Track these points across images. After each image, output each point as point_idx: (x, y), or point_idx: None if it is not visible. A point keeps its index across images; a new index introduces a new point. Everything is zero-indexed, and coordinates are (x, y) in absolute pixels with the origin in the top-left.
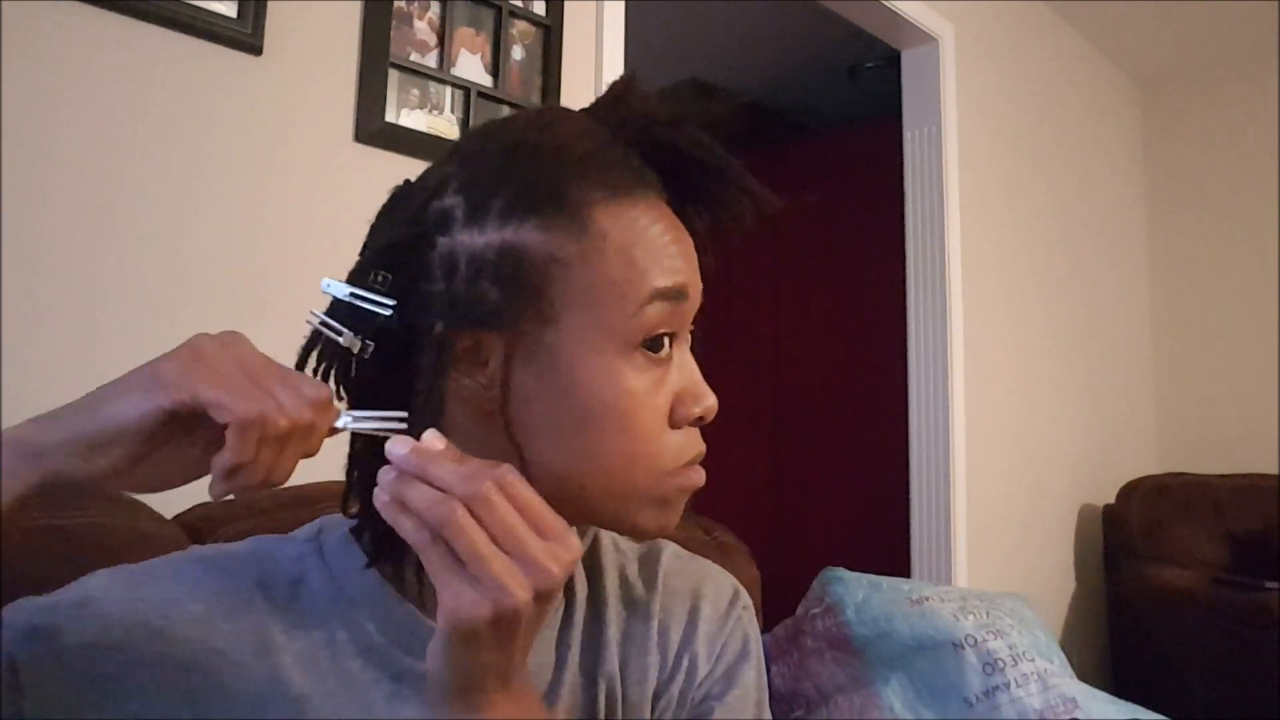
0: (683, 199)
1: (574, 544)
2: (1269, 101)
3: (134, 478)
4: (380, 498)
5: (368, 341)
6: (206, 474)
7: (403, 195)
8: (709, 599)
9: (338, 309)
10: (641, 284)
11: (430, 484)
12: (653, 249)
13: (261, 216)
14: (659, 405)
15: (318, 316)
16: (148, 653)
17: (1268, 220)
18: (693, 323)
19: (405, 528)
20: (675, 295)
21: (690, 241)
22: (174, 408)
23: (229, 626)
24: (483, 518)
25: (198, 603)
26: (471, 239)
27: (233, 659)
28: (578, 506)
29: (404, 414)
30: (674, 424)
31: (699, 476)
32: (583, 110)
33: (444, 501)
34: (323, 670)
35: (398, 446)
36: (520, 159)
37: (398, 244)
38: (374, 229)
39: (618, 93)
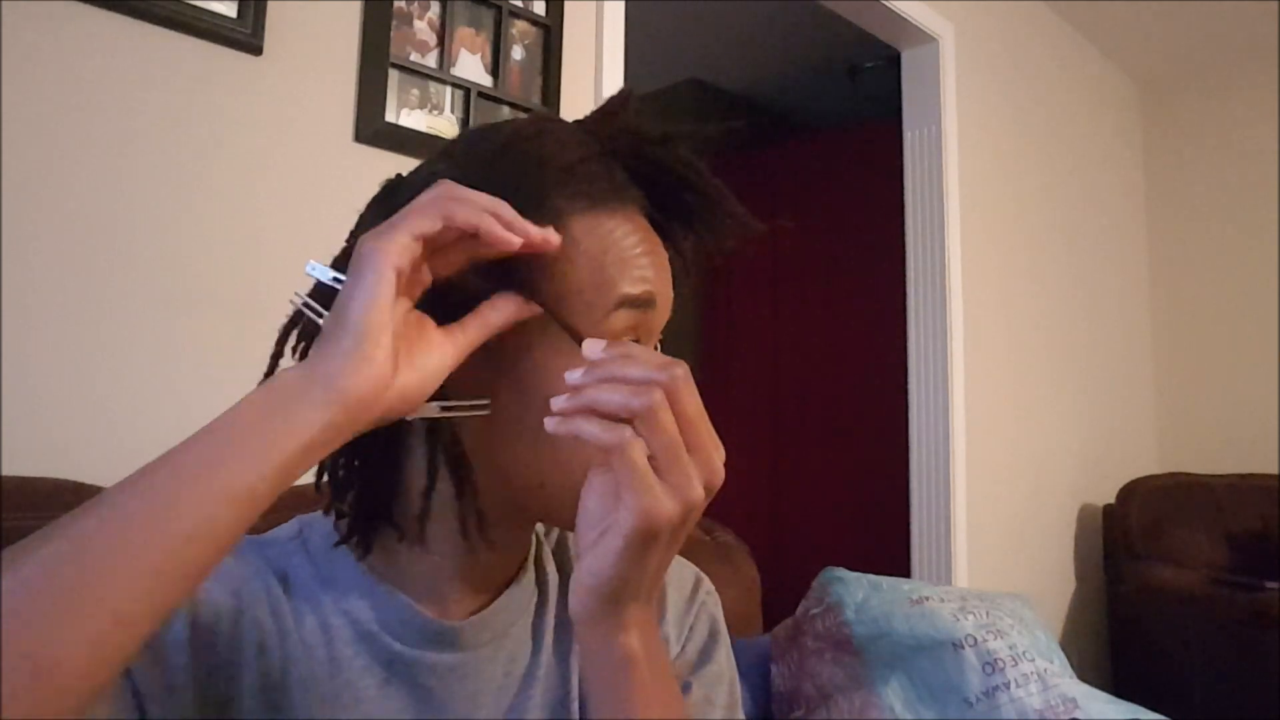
0: (668, 217)
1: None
2: (1269, 101)
3: (416, 373)
4: (566, 405)
5: None
6: (462, 351)
7: (392, 187)
8: (673, 585)
9: (320, 291)
10: (609, 291)
11: (625, 379)
12: (624, 259)
13: (261, 216)
14: None
15: (300, 297)
16: (207, 636)
17: (1268, 220)
18: (661, 333)
19: (593, 431)
20: (642, 303)
21: (664, 254)
22: (405, 262)
23: (251, 614)
24: (675, 407)
25: (227, 591)
26: None
27: (254, 645)
28: (538, 505)
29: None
30: None
31: None
32: (576, 121)
33: (646, 391)
34: (319, 657)
35: (594, 346)
36: (506, 163)
37: None
38: (362, 217)
39: (612, 107)
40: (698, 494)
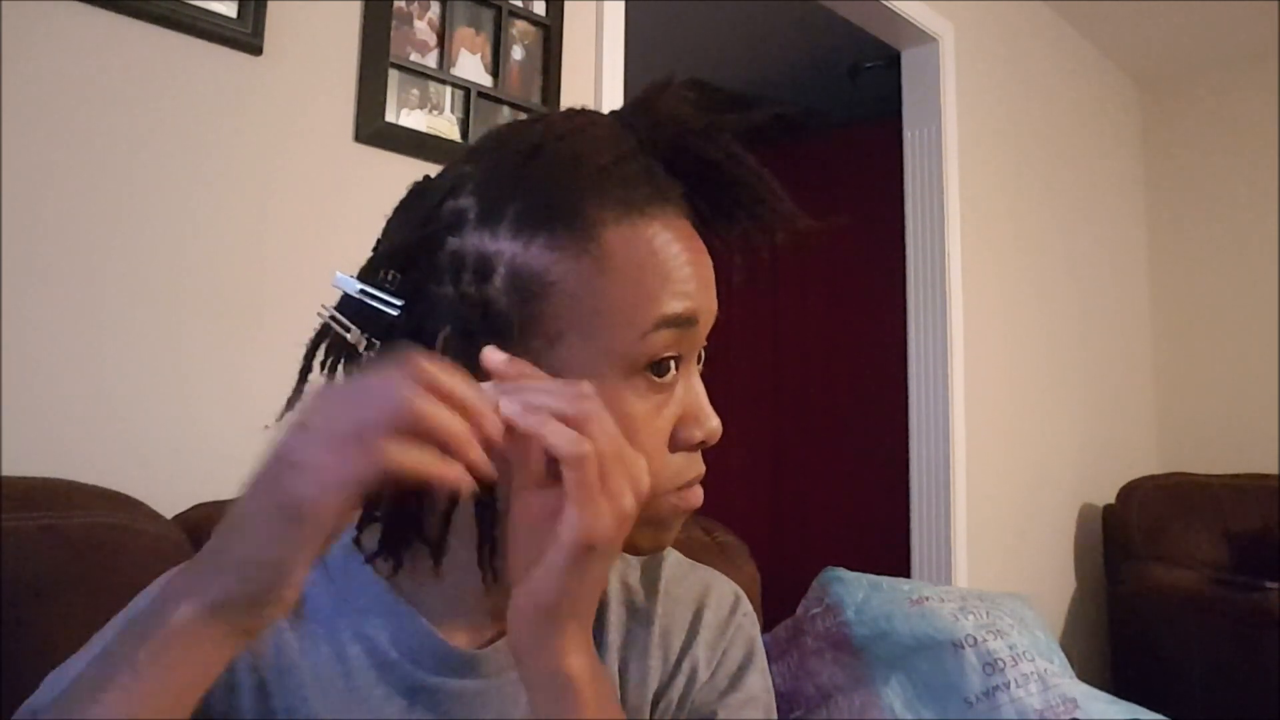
0: (712, 212)
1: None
2: (1269, 101)
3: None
4: (517, 409)
5: (374, 340)
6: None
7: (419, 192)
8: (711, 607)
9: (347, 304)
10: (648, 309)
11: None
12: (663, 271)
13: (262, 217)
14: (659, 429)
15: (328, 310)
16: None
17: (1268, 220)
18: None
19: (559, 438)
20: (683, 322)
21: (707, 261)
22: (341, 508)
23: (258, 645)
24: (598, 429)
25: None
26: (481, 242)
27: (260, 677)
28: None
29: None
30: (674, 447)
31: (696, 498)
32: (613, 112)
33: (579, 400)
34: (336, 688)
35: (496, 354)
36: (537, 167)
37: (409, 243)
38: (388, 225)
39: (651, 95)
40: (630, 505)
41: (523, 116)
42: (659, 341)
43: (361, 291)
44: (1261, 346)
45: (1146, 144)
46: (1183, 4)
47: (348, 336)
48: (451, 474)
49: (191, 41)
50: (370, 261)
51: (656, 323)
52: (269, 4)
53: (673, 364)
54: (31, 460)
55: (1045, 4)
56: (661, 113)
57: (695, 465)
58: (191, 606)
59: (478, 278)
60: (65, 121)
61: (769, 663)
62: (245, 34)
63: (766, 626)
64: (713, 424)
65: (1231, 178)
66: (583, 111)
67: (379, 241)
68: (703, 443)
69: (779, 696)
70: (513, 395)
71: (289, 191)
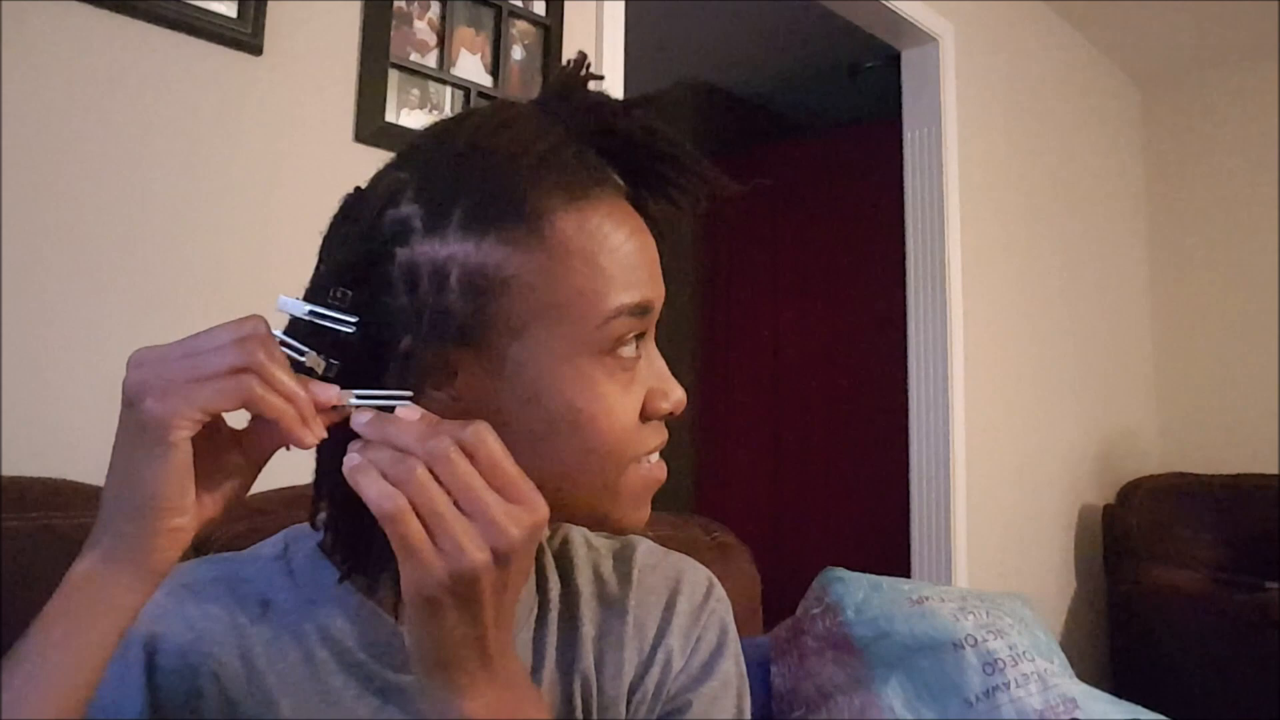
0: (637, 187)
1: (540, 507)
2: (1269, 101)
3: (220, 500)
4: (347, 464)
5: (332, 360)
6: (258, 470)
7: (354, 204)
8: (684, 594)
9: (296, 327)
10: (607, 296)
11: (393, 447)
12: (617, 258)
13: (261, 217)
14: (631, 405)
15: (275, 336)
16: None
17: (1268, 220)
18: (663, 333)
19: (370, 493)
20: (640, 312)
21: (652, 243)
22: (194, 429)
23: (221, 652)
24: (441, 476)
25: (179, 652)
26: (433, 250)
27: (224, 685)
28: (555, 509)
29: (409, 393)
30: (643, 419)
31: (662, 471)
32: (533, 102)
33: (402, 460)
34: (306, 691)
35: (361, 415)
36: (477, 164)
37: (355, 259)
38: (327, 241)
39: (567, 82)
40: (472, 559)
41: (480, 107)
42: (619, 328)
43: (311, 313)
44: (1261, 346)
45: (1146, 144)
46: (1183, 4)
47: (303, 360)
48: (300, 432)
49: (191, 41)
50: (316, 281)
51: (617, 310)
52: (269, 4)
53: (634, 341)
54: (31, 460)
55: (1045, 4)
56: (580, 98)
57: (661, 433)
58: (88, 557)
59: (434, 286)
60: (65, 121)
61: (769, 663)
62: (245, 34)
63: (766, 626)
64: (678, 394)
65: (1231, 178)
66: (507, 104)
67: (320, 259)
68: (670, 414)
69: (779, 697)
70: (364, 447)
71: (289, 191)
